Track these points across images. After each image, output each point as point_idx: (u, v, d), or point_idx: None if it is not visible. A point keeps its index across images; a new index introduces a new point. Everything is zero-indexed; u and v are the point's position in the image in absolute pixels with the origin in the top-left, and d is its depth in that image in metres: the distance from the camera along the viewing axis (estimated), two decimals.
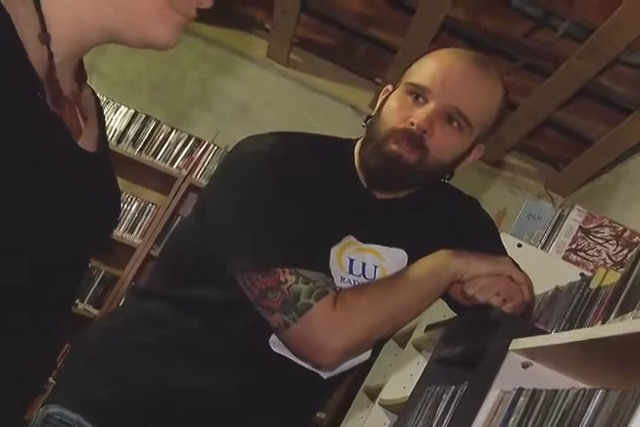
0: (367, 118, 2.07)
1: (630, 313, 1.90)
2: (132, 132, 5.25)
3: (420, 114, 1.97)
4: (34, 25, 1.26)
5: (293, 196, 1.97)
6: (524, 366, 2.07)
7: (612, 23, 3.73)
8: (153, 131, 5.29)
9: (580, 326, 2.11)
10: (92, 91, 1.48)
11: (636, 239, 3.52)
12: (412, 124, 1.95)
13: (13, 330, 1.28)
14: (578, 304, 2.19)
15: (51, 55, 1.27)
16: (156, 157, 5.27)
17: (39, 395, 1.54)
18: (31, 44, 1.25)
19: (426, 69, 2.04)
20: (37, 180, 1.25)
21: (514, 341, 2.06)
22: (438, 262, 2.00)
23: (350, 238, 2.04)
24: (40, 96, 1.25)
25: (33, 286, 1.29)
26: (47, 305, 1.32)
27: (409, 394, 2.65)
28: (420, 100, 1.99)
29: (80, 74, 1.39)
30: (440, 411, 2.28)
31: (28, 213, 1.26)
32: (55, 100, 1.28)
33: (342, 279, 2.01)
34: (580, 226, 3.52)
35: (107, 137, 1.49)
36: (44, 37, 1.26)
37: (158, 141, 5.28)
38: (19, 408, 1.42)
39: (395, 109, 2.01)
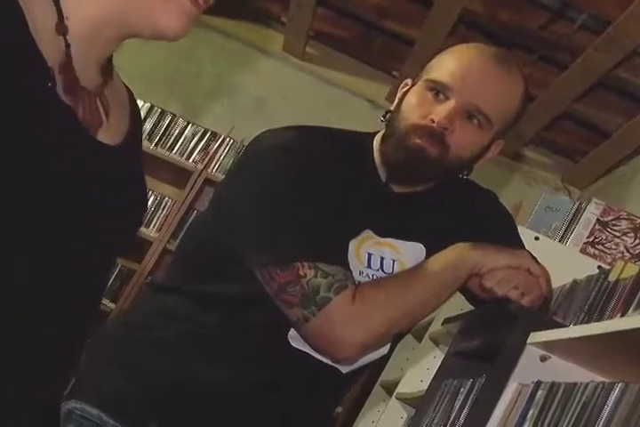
0: (386, 113, 2.06)
1: None
2: (148, 126, 5.31)
3: (440, 111, 1.97)
4: (51, 17, 1.25)
5: (311, 189, 1.97)
6: (542, 359, 2.07)
7: (629, 15, 3.76)
8: (169, 125, 5.37)
9: (599, 320, 2.12)
10: (126, 87, 1.48)
11: None
12: (433, 121, 1.96)
13: (29, 330, 1.27)
14: (596, 297, 2.19)
15: (68, 46, 1.26)
16: (171, 151, 5.33)
17: (60, 395, 1.54)
18: (47, 36, 1.24)
19: (446, 66, 2.05)
20: (37, 167, 1.23)
21: (532, 334, 2.07)
22: (456, 255, 2.00)
23: (368, 232, 2.03)
24: (49, 85, 1.24)
25: (45, 287, 1.28)
26: (66, 304, 1.31)
27: (426, 388, 2.68)
28: (441, 96, 1.99)
29: (107, 69, 1.39)
30: (457, 404, 2.30)
31: (30, 207, 1.23)
32: (70, 91, 1.27)
33: (360, 273, 2.01)
34: (597, 219, 3.52)
35: (139, 132, 1.50)
36: (62, 29, 1.26)
37: (174, 135, 5.36)
38: (35, 410, 1.38)
39: (415, 106, 2.01)
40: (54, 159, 1.22)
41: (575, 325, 2.17)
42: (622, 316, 2.03)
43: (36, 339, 1.28)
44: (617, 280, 2.15)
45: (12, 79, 1.19)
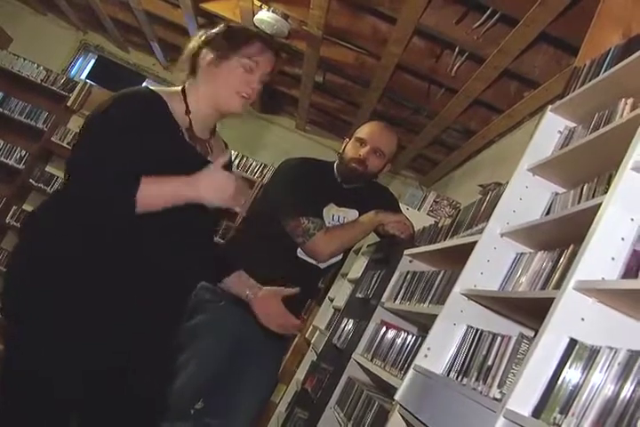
0: (339, 153, 2.80)
1: (449, 237, 2.55)
2: None
3: (362, 151, 2.71)
4: (182, 107, 1.81)
5: (308, 183, 2.62)
6: (410, 261, 2.92)
7: None
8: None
9: (432, 243, 2.69)
10: (223, 140, 1.99)
11: (458, 205, 4.20)
12: (360, 156, 2.69)
13: (177, 249, 1.80)
14: (432, 235, 2.88)
15: (190, 119, 1.82)
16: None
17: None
18: (182, 116, 1.79)
19: (364, 130, 2.77)
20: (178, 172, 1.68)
21: (405, 250, 2.91)
22: (371, 216, 2.66)
23: (332, 204, 2.70)
24: (181, 135, 1.77)
25: (187, 229, 1.81)
26: (197, 238, 1.87)
27: (359, 275, 3.31)
28: (362, 144, 2.72)
29: (213, 131, 1.93)
30: (374, 279, 3.09)
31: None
32: (191, 138, 1.80)
33: (329, 223, 2.66)
34: (434, 200, 4.19)
35: (230, 161, 1.97)
36: (187, 112, 1.82)
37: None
38: (183, 298, 1.89)
39: (350, 149, 2.74)
40: (186, 168, 1.70)
41: (423, 246, 2.83)
42: (445, 240, 2.62)
43: (190, 255, 1.83)
44: (442, 226, 2.91)
45: (166, 133, 1.71)
